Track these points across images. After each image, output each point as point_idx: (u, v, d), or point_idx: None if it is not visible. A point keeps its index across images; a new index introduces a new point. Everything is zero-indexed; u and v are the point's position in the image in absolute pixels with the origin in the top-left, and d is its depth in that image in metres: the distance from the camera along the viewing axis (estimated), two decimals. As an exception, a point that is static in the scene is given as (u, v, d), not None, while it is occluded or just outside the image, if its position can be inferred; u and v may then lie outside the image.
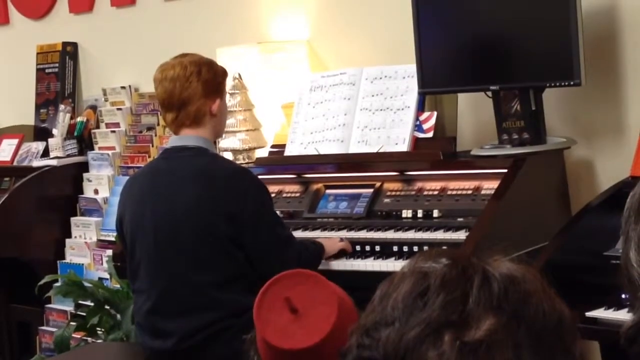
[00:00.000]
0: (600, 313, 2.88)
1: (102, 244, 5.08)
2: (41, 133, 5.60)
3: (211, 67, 3.50)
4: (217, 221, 3.28)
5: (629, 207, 1.55)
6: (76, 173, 5.29)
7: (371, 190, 3.77)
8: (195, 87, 3.42)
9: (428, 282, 1.16)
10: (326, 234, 3.68)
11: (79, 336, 4.69)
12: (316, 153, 3.96)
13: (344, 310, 1.93)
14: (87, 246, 5.14)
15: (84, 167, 5.30)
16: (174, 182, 3.37)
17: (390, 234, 3.55)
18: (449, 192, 3.61)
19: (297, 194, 3.95)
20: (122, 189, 3.57)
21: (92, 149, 5.31)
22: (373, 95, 3.92)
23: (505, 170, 3.45)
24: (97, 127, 5.36)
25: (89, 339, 4.63)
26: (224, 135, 3.94)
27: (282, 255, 3.33)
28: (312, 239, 3.58)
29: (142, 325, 3.45)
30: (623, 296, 2.78)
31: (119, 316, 4.44)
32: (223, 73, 3.55)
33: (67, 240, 5.25)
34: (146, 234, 3.39)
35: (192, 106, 3.42)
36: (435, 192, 3.63)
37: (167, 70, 3.46)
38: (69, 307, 5.01)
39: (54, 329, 5.02)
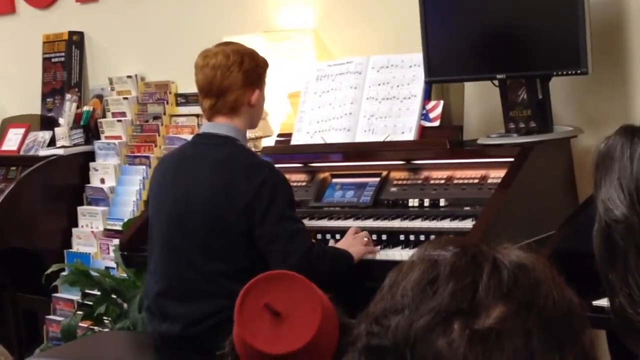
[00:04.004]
0: (607, 302, 2.87)
1: (109, 233, 5.09)
2: (47, 122, 5.60)
3: (253, 57, 3.49)
4: (230, 213, 3.28)
5: (596, 163, 1.67)
6: (82, 162, 5.30)
7: (378, 179, 3.77)
8: (236, 77, 3.42)
9: (438, 270, 1.16)
10: (332, 222, 3.68)
11: (85, 325, 4.70)
12: (322, 142, 3.96)
13: (324, 301, 1.93)
14: (93, 235, 5.15)
15: (91, 156, 5.30)
16: (194, 169, 3.38)
17: (396, 223, 3.55)
18: (456, 181, 3.61)
19: (304, 183, 3.96)
20: (154, 170, 3.59)
21: (99, 138, 5.32)
22: (379, 84, 3.91)
23: (512, 159, 3.45)
24: (104, 116, 5.37)
25: (95, 328, 4.64)
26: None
27: (283, 250, 3.27)
28: (343, 250, 3.46)
29: (151, 308, 3.47)
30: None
31: (125, 305, 4.45)
32: (264, 64, 3.55)
33: (74, 230, 5.26)
34: (162, 216, 3.42)
35: (231, 95, 3.42)
36: (442, 181, 3.63)
37: (210, 57, 3.45)
38: (76, 296, 5.02)
39: (60, 318, 5.04)
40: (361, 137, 3.88)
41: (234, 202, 3.28)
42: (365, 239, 3.49)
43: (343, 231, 3.58)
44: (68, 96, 5.43)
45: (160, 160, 3.66)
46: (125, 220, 4.80)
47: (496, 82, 3.64)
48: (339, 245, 3.48)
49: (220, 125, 3.44)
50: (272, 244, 3.28)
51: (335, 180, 3.89)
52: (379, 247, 3.51)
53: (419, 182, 3.69)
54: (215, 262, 3.30)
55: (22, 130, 5.67)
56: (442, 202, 3.56)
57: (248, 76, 3.44)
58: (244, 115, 3.46)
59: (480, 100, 3.97)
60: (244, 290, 1.94)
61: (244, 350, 1.91)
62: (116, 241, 4.68)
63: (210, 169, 3.35)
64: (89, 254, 5.11)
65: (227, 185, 3.29)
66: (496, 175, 3.50)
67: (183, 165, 3.44)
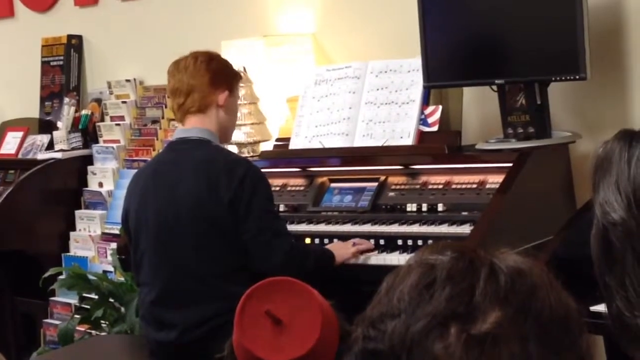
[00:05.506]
0: (604, 307, 2.87)
1: (107, 237, 5.09)
2: (46, 126, 5.60)
3: (222, 60, 3.58)
4: (217, 211, 3.30)
5: (594, 167, 1.67)
6: (81, 166, 5.30)
7: (376, 184, 3.76)
8: (204, 75, 3.48)
9: (434, 274, 1.16)
10: (330, 227, 3.68)
11: (83, 329, 4.69)
12: (321, 147, 3.96)
13: (325, 309, 1.92)
14: (91, 239, 5.14)
15: (89, 160, 5.30)
16: (175, 173, 3.39)
17: (394, 228, 3.54)
18: (454, 186, 3.60)
19: (302, 188, 3.95)
20: (129, 183, 3.60)
21: (97, 142, 5.31)
22: (378, 89, 3.92)
23: (510, 164, 3.45)
24: (102, 120, 5.36)
25: (93, 331, 4.63)
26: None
27: (268, 245, 3.30)
28: (324, 247, 3.53)
29: (146, 317, 3.47)
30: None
31: (123, 309, 4.44)
32: (236, 73, 3.63)
33: (72, 233, 5.25)
34: (149, 225, 3.41)
35: (199, 93, 3.47)
36: (440, 186, 3.63)
37: (180, 62, 3.54)
38: (73, 300, 5.02)
39: (58, 322, 5.03)
40: (359, 142, 3.88)
41: (219, 199, 3.29)
42: (358, 246, 3.50)
43: (341, 236, 3.59)
44: (66, 100, 5.43)
45: (136, 173, 3.66)
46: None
47: (495, 87, 3.64)
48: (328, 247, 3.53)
49: (192, 130, 3.48)
50: (256, 237, 3.30)
51: (333, 184, 3.88)
52: (376, 251, 3.51)
53: (417, 187, 3.69)
54: (209, 264, 3.31)
55: (20, 134, 5.66)
56: (440, 207, 3.56)
57: (215, 75, 3.50)
58: (214, 118, 3.50)
59: (478, 106, 3.97)
60: (245, 296, 1.93)
61: (243, 356, 1.90)
62: (114, 245, 4.68)
63: (191, 171, 3.36)
64: (87, 257, 5.11)
65: (210, 184, 3.32)
66: (494, 180, 3.50)
67: (162, 173, 3.45)
